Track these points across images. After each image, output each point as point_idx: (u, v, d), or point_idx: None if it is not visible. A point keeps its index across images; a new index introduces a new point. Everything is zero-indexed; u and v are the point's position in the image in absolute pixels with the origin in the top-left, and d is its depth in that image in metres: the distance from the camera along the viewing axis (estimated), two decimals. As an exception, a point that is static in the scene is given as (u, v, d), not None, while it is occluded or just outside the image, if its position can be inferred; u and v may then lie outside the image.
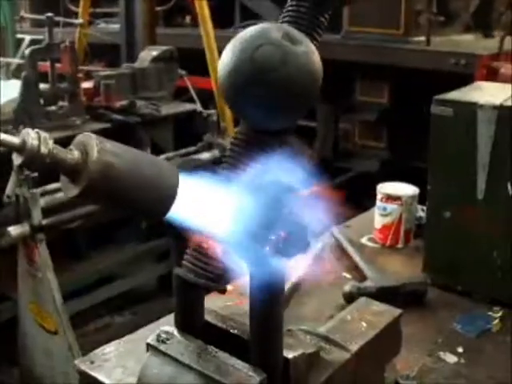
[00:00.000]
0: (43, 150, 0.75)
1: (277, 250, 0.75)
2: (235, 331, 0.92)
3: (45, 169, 0.77)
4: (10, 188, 0.70)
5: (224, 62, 0.82)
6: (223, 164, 0.88)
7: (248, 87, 0.80)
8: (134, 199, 0.81)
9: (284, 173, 0.79)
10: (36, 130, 0.76)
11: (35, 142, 0.75)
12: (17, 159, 0.75)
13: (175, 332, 0.93)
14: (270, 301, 0.83)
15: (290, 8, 0.92)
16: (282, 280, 0.82)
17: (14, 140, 0.75)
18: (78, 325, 3.39)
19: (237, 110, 0.83)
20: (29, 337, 3.19)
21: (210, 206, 0.81)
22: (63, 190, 0.79)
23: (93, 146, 0.77)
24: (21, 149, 0.75)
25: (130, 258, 3.98)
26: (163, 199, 0.82)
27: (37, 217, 2.88)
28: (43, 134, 0.76)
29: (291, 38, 0.80)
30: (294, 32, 0.82)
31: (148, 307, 3.93)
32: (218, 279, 0.87)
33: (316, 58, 0.81)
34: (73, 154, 0.77)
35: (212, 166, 0.89)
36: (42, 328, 3.07)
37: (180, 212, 0.82)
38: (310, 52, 0.80)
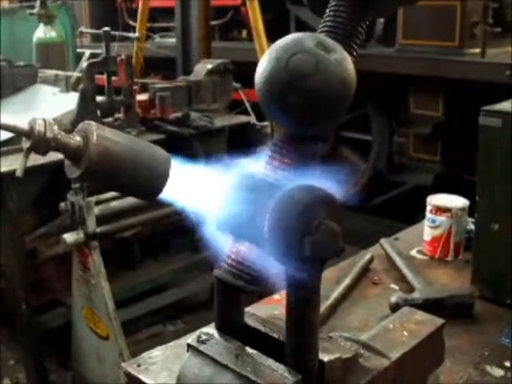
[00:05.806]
0: (48, 134, 0.84)
1: (311, 254, 0.76)
2: (273, 334, 0.94)
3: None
4: (20, 169, 0.74)
5: (260, 70, 0.85)
6: (260, 169, 0.90)
7: (282, 93, 0.82)
8: (129, 179, 0.88)
9: (318, 179, 0.81)
10: (43, 117, 0.85)
11: (41, 128, 0.83)
12: (25, 143, 0.84)
13: (215, 333, 0.95)
14: (305, 303, 0.84)
15: (327, 18, 0.94)
16: (317, 283, 0.83)
17: (24, 126, 0.84)
18: (130, 332, 3.45)
19: (272, 116, 0.86)
20: (82, 342, 3.26)
21: (241, 209, 0.84)
22: (67, 172, 0.87)
23: (92, 132, 0.85)
24: (29, 134, 0.83)
25: (183, 267, 4.02)
26: (156, 180, 0.90)
27: (91, 224, 2.95)
28: (48, 121, 0.84)
29: (325, 47, 0.82)
30: (327, 41, 0.84)
31: (200, 316, 3.96)
32: (255, 282, 0.89)
33: (349, 65, 0.83)
34: (75, 139, 0.85)
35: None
36: (94, 333, 3.13)
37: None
38: (342, 60, 0.82)
